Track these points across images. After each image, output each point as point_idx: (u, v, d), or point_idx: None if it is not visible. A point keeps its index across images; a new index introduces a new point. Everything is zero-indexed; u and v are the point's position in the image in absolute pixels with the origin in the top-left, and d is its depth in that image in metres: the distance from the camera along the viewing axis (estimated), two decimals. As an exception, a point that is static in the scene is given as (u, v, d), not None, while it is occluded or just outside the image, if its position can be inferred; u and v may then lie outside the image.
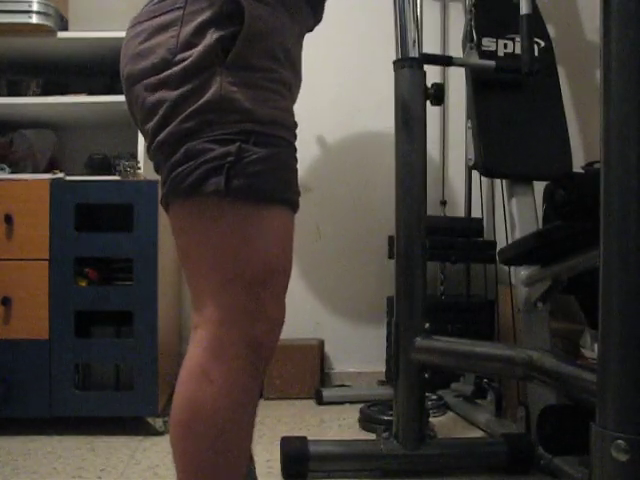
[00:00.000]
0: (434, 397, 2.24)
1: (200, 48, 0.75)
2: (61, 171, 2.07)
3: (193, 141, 0.75)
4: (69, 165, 2.36)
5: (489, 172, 1.97)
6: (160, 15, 0.79)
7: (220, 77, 0.75)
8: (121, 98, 2.32)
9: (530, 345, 1.72)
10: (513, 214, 1.91)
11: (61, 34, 2.11)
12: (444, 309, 2.38)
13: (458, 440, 1.83)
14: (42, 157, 2.29)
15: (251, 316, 0.78)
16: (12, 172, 2.11)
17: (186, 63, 0.76)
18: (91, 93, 2.20)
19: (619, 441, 0.81)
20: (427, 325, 1.60)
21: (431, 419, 2.03)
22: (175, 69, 0.76)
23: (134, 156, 2.09)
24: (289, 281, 0.83)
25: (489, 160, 1.90)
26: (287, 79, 0.82)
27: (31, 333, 1.88)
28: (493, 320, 2.27)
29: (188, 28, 0.76)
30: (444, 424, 2.07)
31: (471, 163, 1.96)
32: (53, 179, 1.96)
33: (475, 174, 2.48)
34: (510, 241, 1.87)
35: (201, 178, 0.75)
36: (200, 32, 0.76)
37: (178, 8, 0.78)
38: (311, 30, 0.96)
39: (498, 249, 2.07)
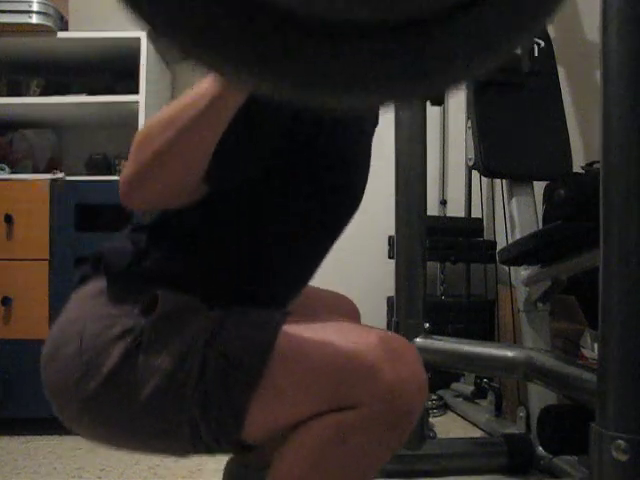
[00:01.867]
0: (434, 397, 2.24)
1: (112, 365, 0.75)
2: (61, 171, 2.06)
3: (182, 419, 0.74)
4: (69, 165, 2.36)
5: (489, 172, 1.97)
6: (61, 349, 0.81)
7: (146, 362, 0.74)
8: (121, 98, 2.31)
9: (530, 345, 1.72)
10: (513, 214, 1.91)
11: (61, 34, 2.11)
12: (444, 309, 2.38)
13: (458, 440, 1.82)
14: (42, 157, 2.30)
15: (383, 393, 0.71)
16: (12, 172, 2.11)
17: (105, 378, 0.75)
18: (91, 93, 2.20)
19: (619, 441, 0.81)
20: (427, 325, 1.60)
21: (431, 419, 2.03)
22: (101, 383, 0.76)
23: (134, 156, 2.09)
24: (388, 337, 0.76)
25: (489, 160, 1.89)
26: None
27: (31, 333, 1.88)
28: (493, 320, 2.27)
29: (91, 356, 0.76)
30: (444, 424, 2.07)
31: (471, 163, 1.96)
32: (53, 179, 1.96)
33: (475, 174, 2.48)
34: (510, 241, 1.87)
35: (233, 397, 0.72)
36: (108, 352, 0.76)
37: (74, 338, 0.79)
38: None
39: (498, 249, 2.07)
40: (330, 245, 0.97)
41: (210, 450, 0.77)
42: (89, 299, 0.82)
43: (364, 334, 0.75)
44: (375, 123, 1.01)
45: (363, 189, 0.96)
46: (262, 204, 0.84)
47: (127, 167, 0.74)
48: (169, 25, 0.31)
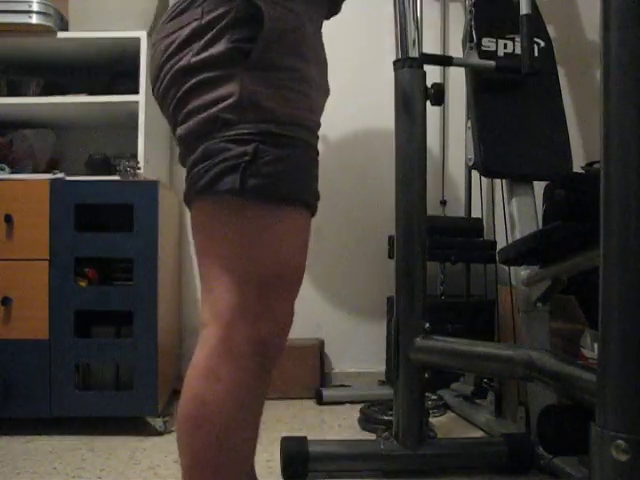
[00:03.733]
0: (434, 397, 2.24)
1: (216, 52, 0.76)
2: (61, 171, 2.06)
3: (211, 140, 0.76)
4: (69, 165, 2.36)
5: (489, 172, 1.97)
6: (182, 28, 0.80)
7: (240, 77, 0.76)
8: (121, 98, 2.32)
9: (530, 345, 1.72)
10: (513, 214, 1.91)
11: (61, 34, 2.11)
12: (444, 309, 2.38)
13: (458, 440, 1.82)
14: (42, 157, 2.30)
15: (259, 317, 0.78)
16: (12, 172, 2.11)
17: (205, 60, 0.77)
18: (91, 93, 2.20)
19: (619, 441, 0.81)
20: (427, 325, 1.60)
21: (431, 419, 2.03)
22: (195, 67, 0.78)
23: (134, 156, 2.10)
24: (300, 285, 0.83)
25: (489, 160, 1.89)
26: (311, 76, 0.83)
27: (31, 333, 1.88)
28: (493, 320, 2.27)
29: (206, 38, 0.77)
30: (444, 424, 2.07)
31: (471, 163, 1.96)
32: (53, 179, 1.96)
33: (475, 174, 2.48)
34: (510, 241, 1.87)
35: (217, 177, 0.75)
36: (217, 38, 0.77)
37: (196, 20, 0.78)
38: (328, 18, 0.97)
39: (498, 249, 2.07)
40: None
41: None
42: None
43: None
44: None
45: None
46: None
47: None
48: None
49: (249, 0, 0.77)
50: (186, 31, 0.79)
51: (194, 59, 0.77)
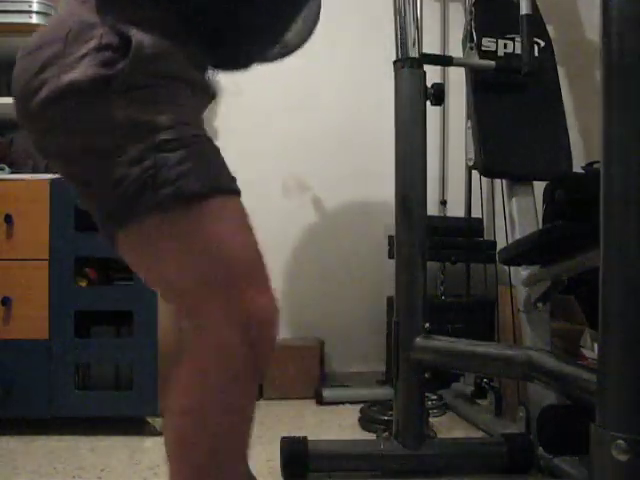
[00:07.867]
0: (434, 397, 2.24)
1: (80, 78, 0.75)
2: (61, 171, 2.06)
3: (108, 170, 0.75)
4: (69, 165, 2.36)
5: (489, 172, 1.97)
6: (44, 48, 0.79)
7: (110, 101, 0.75)
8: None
9: (530, 345, 1.72)
10: (513, 214, 1.91)
11: (61, 34, 2.11)
12: (444, 309, 2.38)
13: (458, 440, 1.82)
14: (42, 157, 2.29)
15: (241, 314, 0.76)
16: (12, 172, 2.11)
17: (70, 84, 0.76)
18: (91, 93, 2.19)
19: (619, 441, 0.81)
20: (427, 325, 1.60)
21: (431, 419, 2.03)
22: (60, 101, 0.77)
23: (134, 156, 2.09)
24: (265, 267, 0.81)
25: (489, 160, 1.89)
26: (179, 93, 0.82)
27: (31, 333, 1.88)
28: (493, 320, 2.27)
29: (68, 60, 0.76)
30: (444, 424, 2.07)
31: (471, 163, 1.96)
32: (53, 179, 1.96)
33: (475, 174, 2.48)
34: (510, 241, 1.87)
35: (130, 203, 0.74)
36: (79, 63, 0.76)
37: (60, 40, 0.78)
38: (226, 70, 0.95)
39: (498, 249, 2.07)
40: None
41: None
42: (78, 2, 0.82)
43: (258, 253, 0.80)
44: None
45: None
46: None
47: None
48: None
49: (115, 28, 0.76)
50: (49, 52, 0.78)
51: (58, 84, 0.76)
